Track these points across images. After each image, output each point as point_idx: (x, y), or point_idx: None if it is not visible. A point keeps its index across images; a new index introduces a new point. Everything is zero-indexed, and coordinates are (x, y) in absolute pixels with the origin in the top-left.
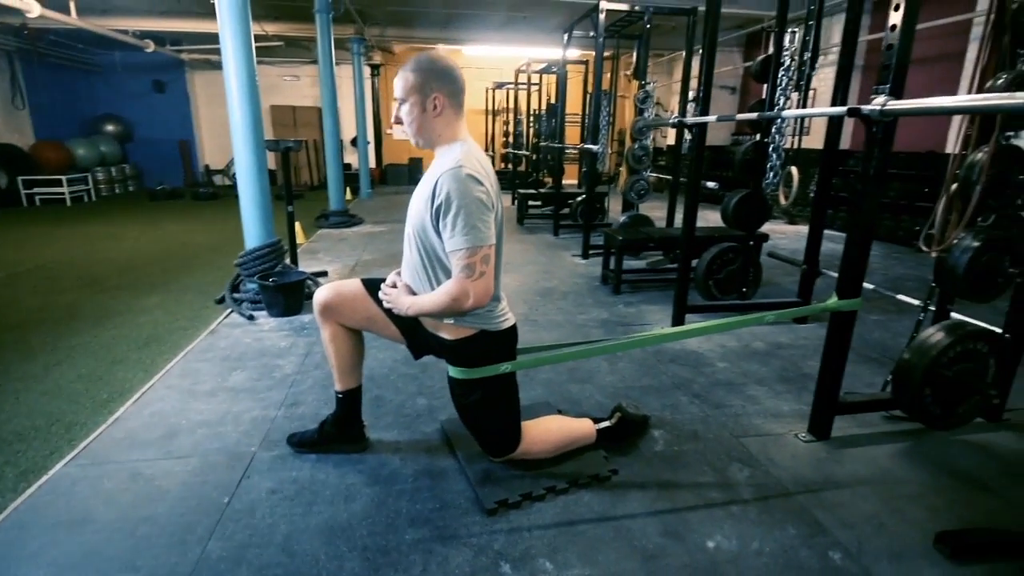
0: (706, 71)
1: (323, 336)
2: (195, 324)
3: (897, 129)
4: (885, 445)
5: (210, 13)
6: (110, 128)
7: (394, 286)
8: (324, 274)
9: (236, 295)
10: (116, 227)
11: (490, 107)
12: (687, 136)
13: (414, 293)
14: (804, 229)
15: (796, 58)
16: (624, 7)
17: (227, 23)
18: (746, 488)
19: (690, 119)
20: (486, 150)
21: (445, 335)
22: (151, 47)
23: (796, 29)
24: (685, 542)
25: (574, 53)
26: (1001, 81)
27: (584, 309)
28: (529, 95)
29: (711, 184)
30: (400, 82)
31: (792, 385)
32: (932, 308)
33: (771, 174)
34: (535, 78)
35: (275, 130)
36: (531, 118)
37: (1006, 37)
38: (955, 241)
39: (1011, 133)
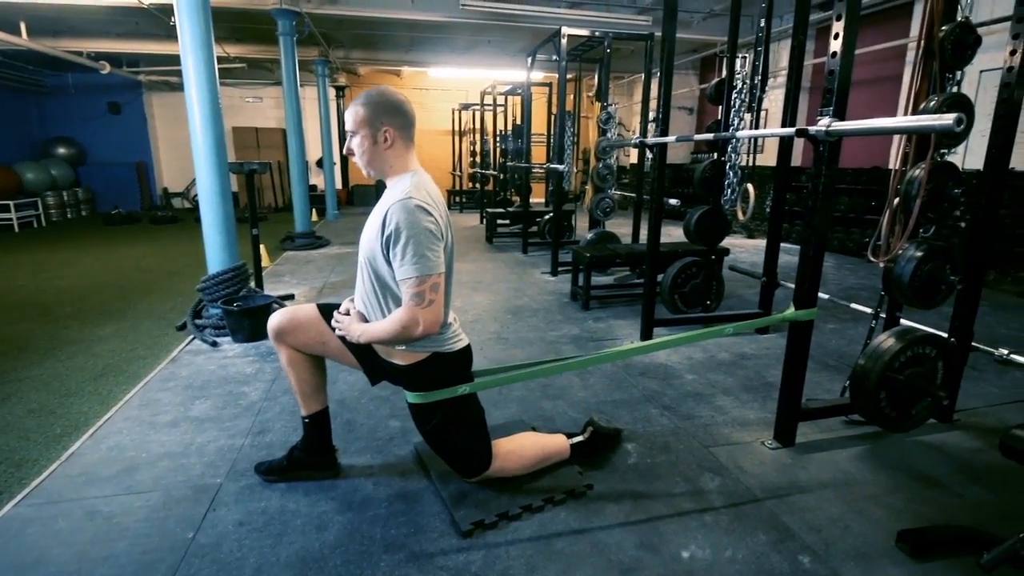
0: (664, 93)
1: (281, 360)
2: (155, 352)
3: (843, 147)
4: (846, 449)
5: (170, 35)
6: (62, 151)
7: (347, 313)
8: (290, 297)
9: (198, 321)
10: (68, 253)
11: (456, 128)
12: (648, 155)
13: (366, 320)
14: (762, 243)
15: (748, 81)
16: (585, 33)
17: (189, 45)
18: (717, 497)
19: (651, 139)
20: (452, 170)
21: (398, 361)
22: (107, 68)
23: (747, 54)
24: (661, 553)
25: (538, 75)
26: (932, 103)
27: (555, 326)
28: (495, 116)
29: (673, 201)
30: (351, 115)
31: (757, 394)
32: (883, 315)
33: (729, 191)
34: (501, 99)
35: (238, 152)
36: (498, 138)
37: (935, 62)
38: (900, 252)
39: (945, 151)
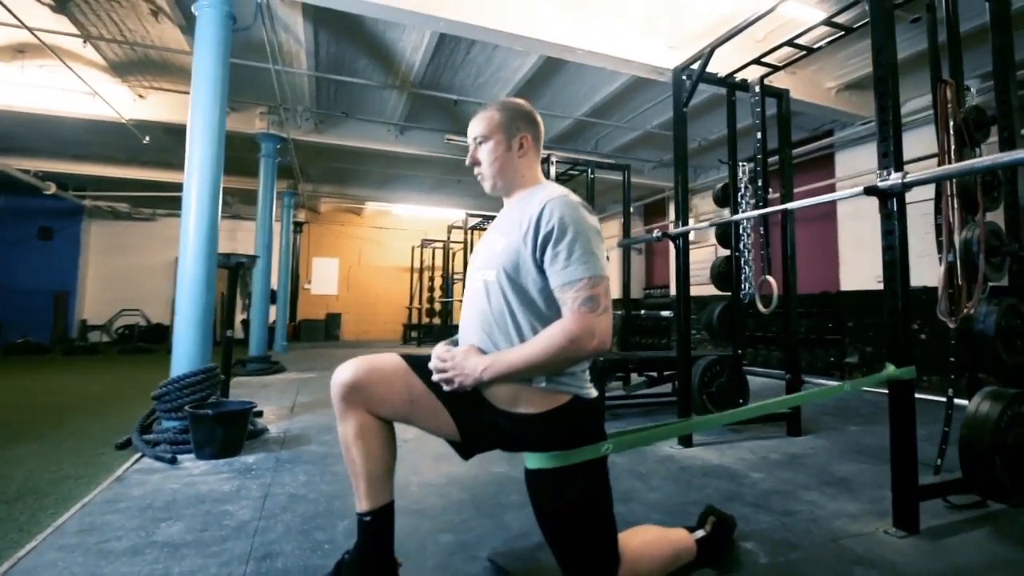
0: (681, 181)
1: (345, 433)
2: (89, 472)
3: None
4: (977, 530)
5: (134, 159)
6: None
7: (440, 359)
8: (260, 414)
9: (147, 436)
10: None
11: (420, 264)
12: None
13: (485, 354)
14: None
15: (749, 185)
16: (573, 156)
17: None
18: None
19: (673, 230)
20: (409, 304)
21: (528, 408)
22: (52, 189)
23: (746, 163)
24: None
25: None
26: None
27: None
28: (466, 248)
29: (639, 377)
30: (483, 122)
31: (839, 487)
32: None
33: (746, 285)
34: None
35: None
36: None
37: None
38: (970, 310)
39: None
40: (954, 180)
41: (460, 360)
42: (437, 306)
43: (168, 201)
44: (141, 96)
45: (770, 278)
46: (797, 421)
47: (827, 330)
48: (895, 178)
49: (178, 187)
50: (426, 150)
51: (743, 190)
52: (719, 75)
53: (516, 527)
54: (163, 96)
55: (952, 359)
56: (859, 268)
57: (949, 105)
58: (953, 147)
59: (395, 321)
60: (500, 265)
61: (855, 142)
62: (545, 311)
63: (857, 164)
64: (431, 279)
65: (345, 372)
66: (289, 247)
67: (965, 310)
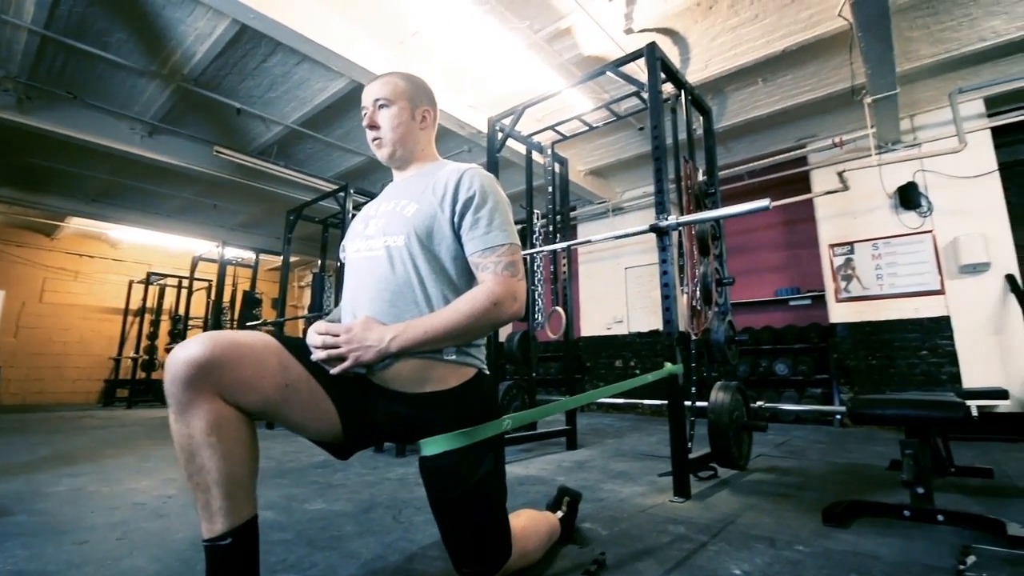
0: None
1: (189, 431)
2: None
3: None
4: (724, 490)
5: None
6: None
7: (326, 334)
8: None
9: None
10: None
11: (152, 303)
12: None
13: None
14: None
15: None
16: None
17: None
18: (701, 534)
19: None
20: (118, 355)
21: (438, 386)
22: None
23: None
24: None
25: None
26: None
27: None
28: (219, 285)
29: None
30: (387, 86)
31: (623, 478)
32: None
33: (539, 315)
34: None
35: None
36: (222, 310)
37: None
38: (706, 325)
39: None
40: (695, 228)
41: (359, 332)
42: (162, 356)
43: None
44: None
45: (559, 309)
46: (574, 437)
47: (574, 369)
48: (672, 219)
49: None
50: (183, 161)
51: (538, 232)
52: (522, 133)
53: (366, 553)
54: None
55: (693, 364)
56: (594, 319)
57: (689, 179)
58: (692, 207)
59: (92, 378)
60: (411, 230)
61: (593, 217)
62: (456, 280)
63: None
64: (154, 323)
65: (193, 348)
66: None
67: (704, 325)
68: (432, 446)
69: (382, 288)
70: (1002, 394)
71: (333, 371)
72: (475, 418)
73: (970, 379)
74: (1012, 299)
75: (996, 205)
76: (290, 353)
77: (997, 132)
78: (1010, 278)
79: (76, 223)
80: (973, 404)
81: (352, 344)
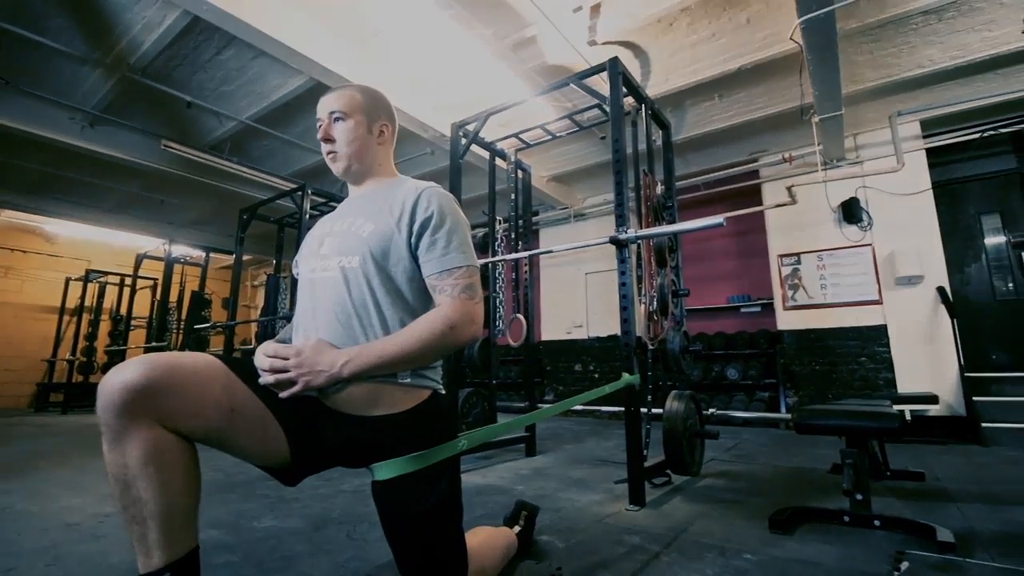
0: None
1: (124, 460)
2: None
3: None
4: (677, 497)
5: None
6: None
7: (275, 356)
8: None
9: None
10: None
11: (90, 302)
12: None
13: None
14: None
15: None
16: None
17: None
18: (653, 544)
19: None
20: (52, 357)
21: (390, 409)
22: None
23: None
24: None
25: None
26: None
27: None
28: (166, 284)
29: None
30: (342, 98)
31: (580, 486)
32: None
33: (500, 322)
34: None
35: None
36: (168, 310)
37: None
38: (662, 335)
39: None
40: (653, 241)
41: (310, 355)
42: (102, 358)
43: None
44: None
45: (520, 316)
46: (533, 443)
47: (534, 373)
48: (631, 232)
49: None
50: (127, 154)
51: (500, 239)
52: (486, 139)
53: (318, 574)
54: None
55: (650, 372)
56: (554, 323)
57: (649, 190)
58: (651, 218)
59: (21, 380)
60: (367, 250)
61: (555, 223)
62: (412, 302)
63: (552, 243)
64: (92, 324)
65: (129, 372)
66: None
67: (660, 335)
68: (385, 470)
69: (336, 310)
70: (932, 399)
71: (282, 395)
72: (430, 440)
73: (904, 384)
74: (942, 309)
75: (929, 221)
76: (236, 375)
77: (931, 153)
78: (941, 290)
79: (7, 215)
80: (907, 408)
81: (302, 368)
